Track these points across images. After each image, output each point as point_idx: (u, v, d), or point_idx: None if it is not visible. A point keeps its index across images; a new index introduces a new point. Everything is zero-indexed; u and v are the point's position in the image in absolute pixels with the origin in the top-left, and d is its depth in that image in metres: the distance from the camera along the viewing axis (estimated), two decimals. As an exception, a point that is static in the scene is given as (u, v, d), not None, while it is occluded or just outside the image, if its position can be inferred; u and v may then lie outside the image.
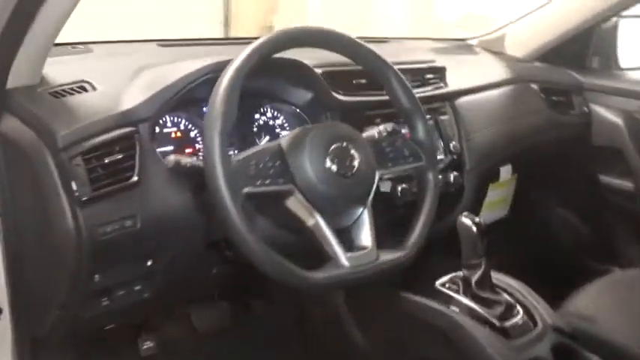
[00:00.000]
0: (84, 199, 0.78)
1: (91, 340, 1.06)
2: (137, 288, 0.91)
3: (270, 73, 1.01)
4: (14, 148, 0.83)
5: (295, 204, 0.82)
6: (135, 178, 0.83)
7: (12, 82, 0.82)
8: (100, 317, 0.91)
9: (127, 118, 0.86)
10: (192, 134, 1.01)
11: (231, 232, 0.75)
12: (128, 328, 1.13)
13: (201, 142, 1.01)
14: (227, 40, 1.34)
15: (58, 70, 0.93)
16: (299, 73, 1.05)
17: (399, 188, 1.11)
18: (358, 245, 0.86)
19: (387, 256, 0.86)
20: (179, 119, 0.99)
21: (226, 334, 1.32)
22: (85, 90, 0.89)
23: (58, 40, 1.07)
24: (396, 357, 1.14)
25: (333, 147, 0.84)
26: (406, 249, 0.89)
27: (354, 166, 0.85)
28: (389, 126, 1.00)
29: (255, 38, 0.85)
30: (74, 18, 0.82)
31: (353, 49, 0.93)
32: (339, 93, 1.10)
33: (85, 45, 1.10)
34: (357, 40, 0.93)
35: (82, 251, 0.79)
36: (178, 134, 0.99)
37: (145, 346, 1.14)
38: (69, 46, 1.08)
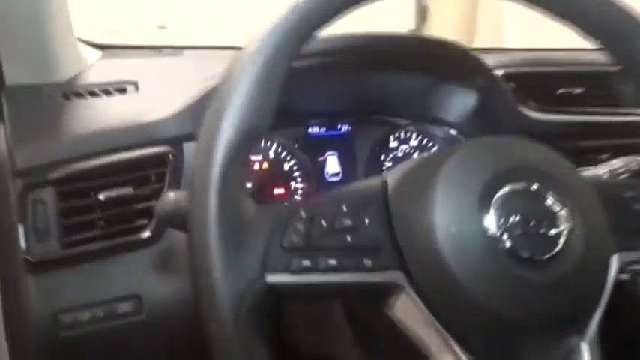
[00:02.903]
0: (37, 260, 0.46)
1: None
2: None
3: (396, 66, 0.62)
4: None
5: (407, 315, 0.37)
6: (147, 233, 0.50)
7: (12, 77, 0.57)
8: None
9: (155, 132, 0.54)
10: (285, 167, 0.67)
11: None
12: None
13: (300, 180, 0.67)
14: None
15: (115, 68, 0.68)
16: (458, 67, 0.63)
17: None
18: None
19: None
20: (268, 143, 0.66)
21: None
22: (123, 91, 0.61)
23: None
24: None
25: (503, 191, 0.37)
26: None
27: (557, 239, 0.37)
28: (633, 161, 0.51)
29: None
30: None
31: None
32: (530, 108, 0.66)
33: (175, 49, 0.85)
34: None
35: (29, 347, 0.47)
36: (264, 166, 0.65)
37: None
38: (158, 51, 0.84)
